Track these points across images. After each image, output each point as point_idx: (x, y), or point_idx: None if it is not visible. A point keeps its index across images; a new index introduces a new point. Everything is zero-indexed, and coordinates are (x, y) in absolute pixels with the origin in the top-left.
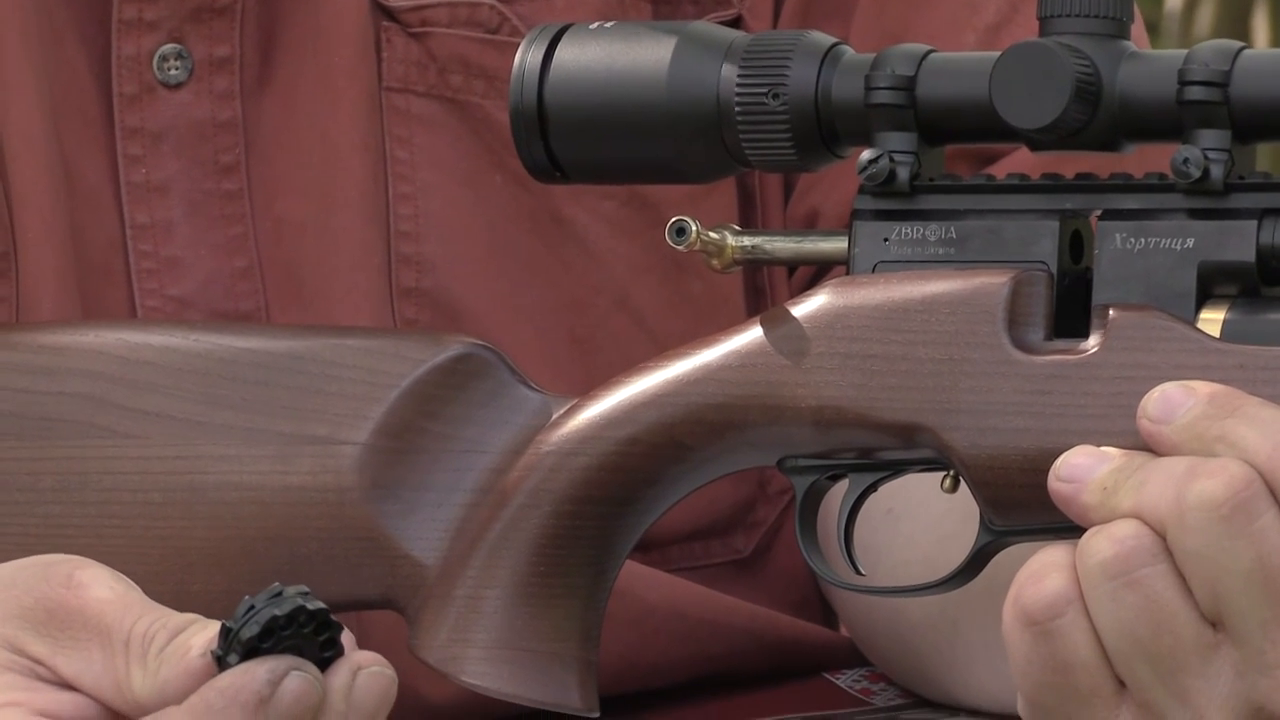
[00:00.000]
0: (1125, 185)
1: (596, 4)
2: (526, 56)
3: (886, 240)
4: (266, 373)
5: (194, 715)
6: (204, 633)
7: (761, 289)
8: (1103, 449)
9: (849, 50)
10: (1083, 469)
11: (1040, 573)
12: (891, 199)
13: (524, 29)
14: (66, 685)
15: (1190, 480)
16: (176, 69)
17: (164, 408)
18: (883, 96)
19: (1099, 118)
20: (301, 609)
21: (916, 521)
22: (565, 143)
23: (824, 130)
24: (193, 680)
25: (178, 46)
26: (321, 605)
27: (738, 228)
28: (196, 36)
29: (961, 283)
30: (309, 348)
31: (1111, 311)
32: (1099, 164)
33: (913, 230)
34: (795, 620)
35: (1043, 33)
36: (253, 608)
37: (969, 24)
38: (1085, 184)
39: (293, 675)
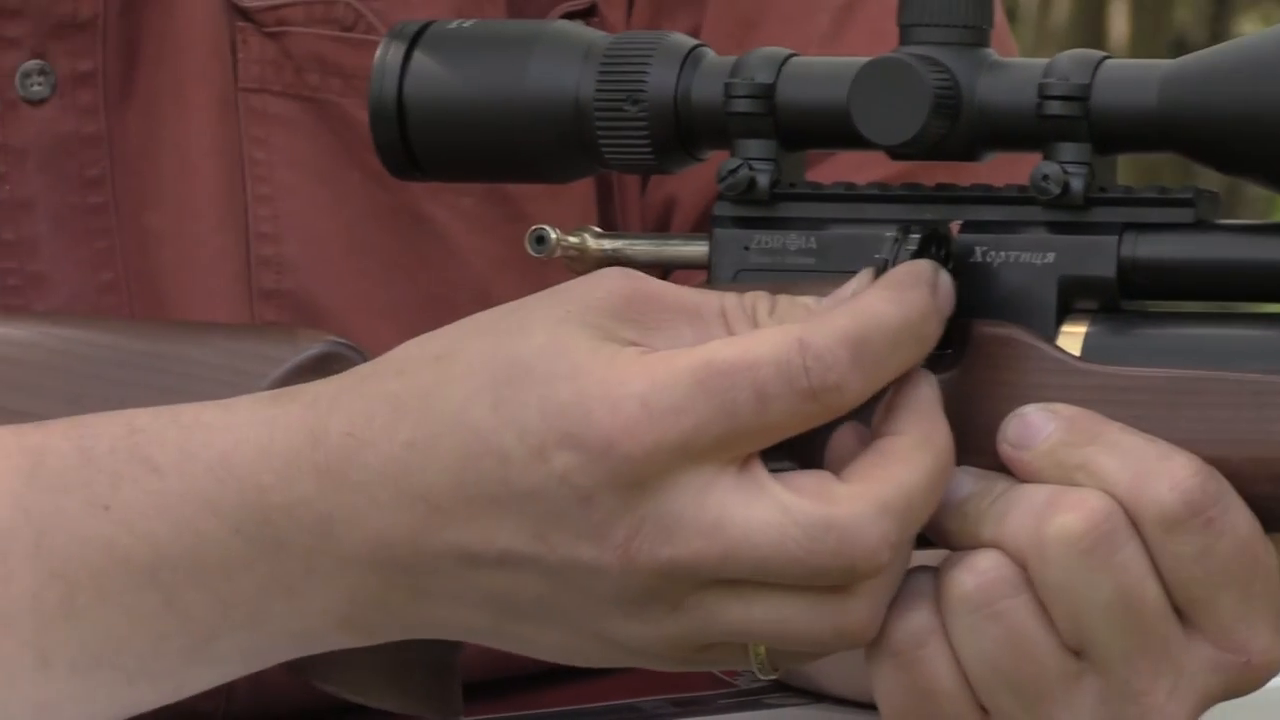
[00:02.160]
0: (985, 197)
1: None
2: (387, 54)
3: (747, 248)
4: (129, 371)
5: (887, 288)
6: (807, 298)
7: None
8: (963, 469)
9: (709, 53)
10: (945, 493)
11: (902, 604)
12: (751, 206)
13: (380, 26)
14: None
15: (1050, 513)
16: (39, 85)
17: (27, 406)
18: (742, 105)
19: (958, 129)
20: (935, 232)
21: None
22: (424, 141)
23: (683, 134)
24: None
25: (40, 63)
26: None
27: (598, 230)
28: (59, 52)
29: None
30: (171, 347)
31: (972, 327)
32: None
33: (773, 239)
34: None
35: (903, 41)
36: (896, 240)
37: (822, 5)
38: (945, 194)
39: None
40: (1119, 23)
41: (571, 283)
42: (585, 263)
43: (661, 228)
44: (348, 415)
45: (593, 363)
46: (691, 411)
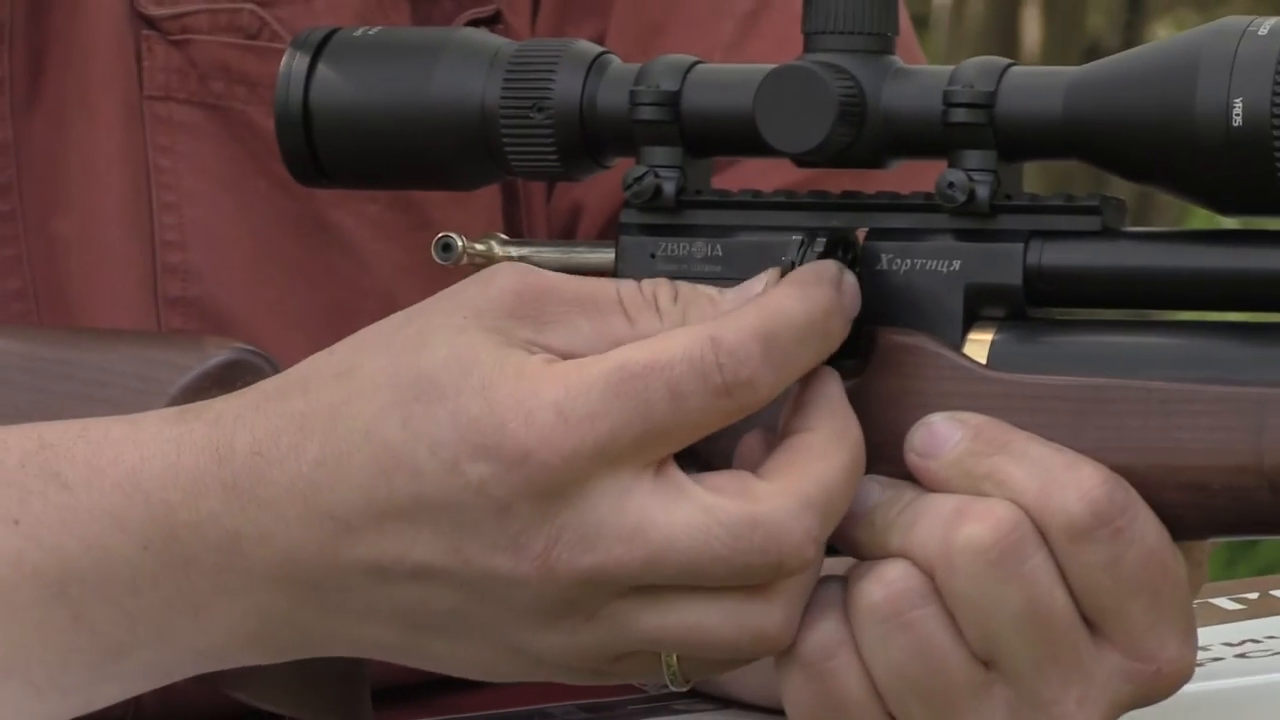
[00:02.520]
0: (891, 204)
1: (356, 5)
2: (292, 61)
3: (653, 256)
4: (37, 379)
5: (793, 285)
6: (710, 289)
7: None
8: (871, 478)
9: (615, 60)
10: (854, 502)
11: (811, 614)
12: (657, 214)
13: (284, 33)
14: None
15: (957, 523)
16: None
17: None
18: (647, 112)
19: (864, 137)
20: (843, 238)
21: None
22: (330, 148)
23: (589, 142)
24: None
25: None
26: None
27: (504, 237)
28: None
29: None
30: (80, 354)
31: (878, 335)
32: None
33: (679, 246)
34: None
35: (807, 49)
36: (802, 243)
37: (727, 12)
38: (851, 202)
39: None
40: (1032, 28)
41: (464, 283)
42: None
43: (567, 234)
44: (253, 434)
45: (501, 375)
46: (607, 415)
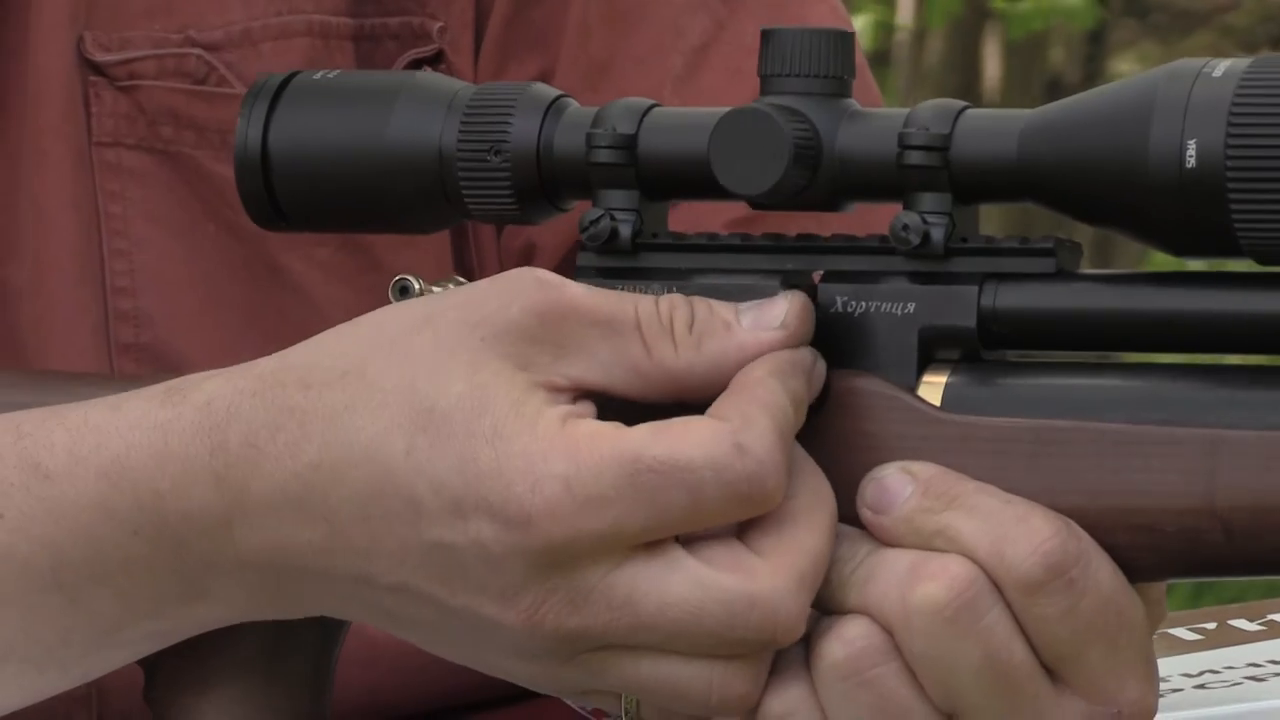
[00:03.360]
0: (846, 247)
1: (303, 48)
2: (252, 105)
3: None
4: None
5: (777, 378)
6: (717, 305)
7: None
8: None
9: (572, 103)
10: None
11: (773, 672)
12: (614, 257)
13: (231, 78)
14: (579, 395)
15: (913, 582)
16: None
17: None
18: (603, 155)
19: (819, 180)
20: (814, 289)
21: None
22: (289, 191)
23: (546, 185)
24: (746, 355)
25: None
26: None
27: (462, 280)
28: None
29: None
30: (34, 399)
31: (832, 378)
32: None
33: (635, 289)
34: None
35: (763, 91)
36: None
37: (674, 47)
38: (807, 245)
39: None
40: (992, 64)
41: (484, 291)
42: None
43: None
44: (248, 425)
45: (515, 425)
46: (618, 504)
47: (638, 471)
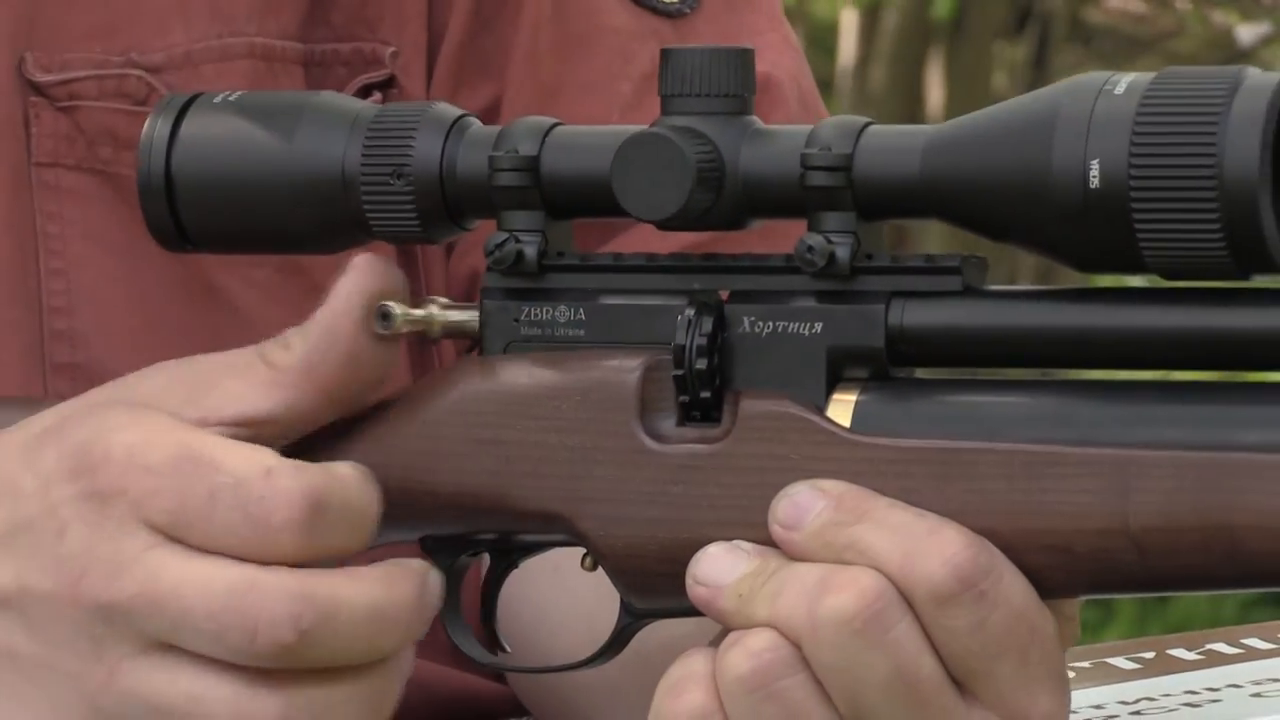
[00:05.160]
0: (752, 267)
1: (245, 70)
2: (155, 126)
3: (516, 320)
4: None
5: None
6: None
7: (427, 349)
8: (737, 546)
9: (475, 123)
10: (718, 572)
11: (679, 686)
12: (519, 278)
13: None
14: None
15: (822, 594)
16: None
17: None
18: (506, 178)
19: (723, 201)
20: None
21: (582, 579)
22: (192, 213)
23: (449, 205)
24: (333, 310)
25: None
26: None
27: (445, 300)
28: None
29: (592, 368)
30: None
31: (741, 400)
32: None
33: (542, 310)
34: (464, 674)
35: (664, 112)
36: (690, 323)
37: (623, 73)
38: (712, 264)
39: None
40: (935, 89)
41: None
42: (432, 333)
43: (468, 298)
44: None
45: (124, 419)
46: (158, 478)
47: (182, 458)
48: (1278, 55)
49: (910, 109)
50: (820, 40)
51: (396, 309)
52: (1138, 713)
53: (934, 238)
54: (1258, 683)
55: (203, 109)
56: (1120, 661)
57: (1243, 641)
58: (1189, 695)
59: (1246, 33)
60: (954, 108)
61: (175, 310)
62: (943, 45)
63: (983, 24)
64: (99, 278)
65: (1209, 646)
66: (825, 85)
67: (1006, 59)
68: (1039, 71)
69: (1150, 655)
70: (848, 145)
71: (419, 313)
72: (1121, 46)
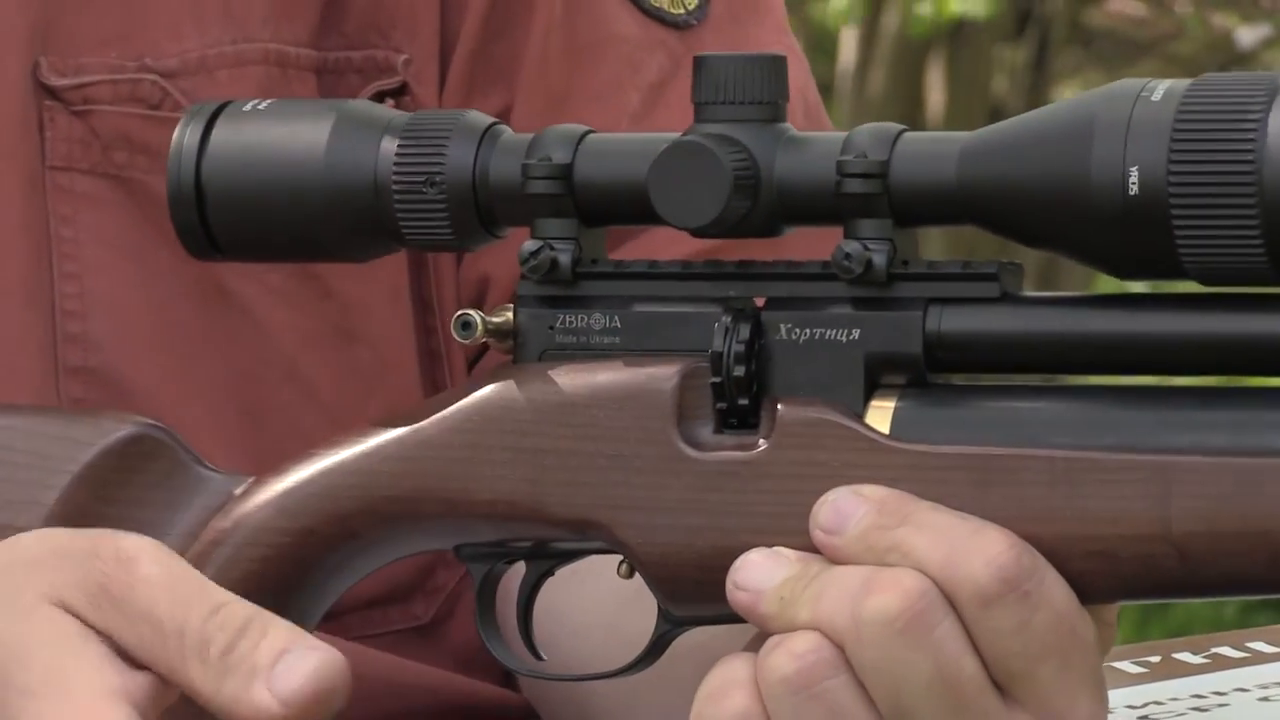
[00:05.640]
0: (788, 274)
1: (259, 76)
2: (184, 135)
3: (551, 328)
4: None
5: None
6: (264, 640)
7: (437, 353)
8: (778, 551)
9: (507, 131)
10: (759, 577)
11: (721, 690)
12: (554, 285)
13: (187, 103)
14: (132, 662)
15: (865, 594)
16: None
17: None
18: (540, 185)
19: (759, 208)
20: (757, 320)
21: (601, 584)
22: (223, 222)
23: (482, 213)
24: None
25: None
26: None
27: (509, 308)
28: None
29: (629, 375)
30: None
31: (779, 406)
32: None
33: (577, 318)
34: (472, 680)
35: (698, 119)
36: (727, 330)
37: (631, 83)
38: (747, 272)
39: None
40: (935, 94)
41: (68, 542)
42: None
43: (477, 305)
44: None
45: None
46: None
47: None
48: (1278, 58)
49: (910, 113)
50: (820, 44)
51: (477, 317)
52: (1145, 717)
53: (934, 242)
54: (1264, 686)
55: (233, 117)
56: (1125, 665)
57: (1248, 645)
58: (1196, 700)
59: (1247, 35)
60: (954, 111)
61: (189, 314)
62: (943, 48)
63: (983, 26)
64: (112, 282)
65: (1214, 650)
66: (825, 89)
67: (1006, 62)
68: (1039, 75)
69: (1156, 659)
70: (883, 152)
71: (497, 319)
72: (1121, 49)
